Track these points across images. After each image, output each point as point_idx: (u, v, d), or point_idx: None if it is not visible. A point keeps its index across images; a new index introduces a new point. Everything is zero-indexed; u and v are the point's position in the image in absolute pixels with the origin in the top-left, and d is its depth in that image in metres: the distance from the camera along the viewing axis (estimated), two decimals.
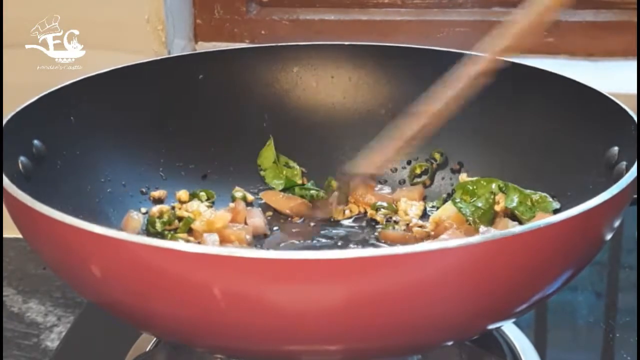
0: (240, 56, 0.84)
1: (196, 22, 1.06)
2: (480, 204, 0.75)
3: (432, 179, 0.82)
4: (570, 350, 0.77)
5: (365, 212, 0.80)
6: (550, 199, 0.72)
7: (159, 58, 0.82)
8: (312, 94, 0.84)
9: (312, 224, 0.78)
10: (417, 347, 0.58)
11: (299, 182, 0.82)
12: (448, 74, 0.68)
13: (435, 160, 0.82)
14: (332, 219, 0.79)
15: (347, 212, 0.80)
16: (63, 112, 0.72)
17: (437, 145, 0.81)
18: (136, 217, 0.75)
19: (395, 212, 0.79)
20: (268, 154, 0.83)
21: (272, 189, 0.82)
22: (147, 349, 0.70)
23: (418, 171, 0.82)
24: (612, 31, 1.04)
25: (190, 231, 0.75)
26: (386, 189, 0.82)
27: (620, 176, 0.56)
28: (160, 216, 0.75)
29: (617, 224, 0.57)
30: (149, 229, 0.75)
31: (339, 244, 0.76)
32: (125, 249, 0.48)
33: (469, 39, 1.03)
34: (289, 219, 0.79)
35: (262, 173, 0.83)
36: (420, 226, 0.77)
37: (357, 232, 0.78)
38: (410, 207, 0.79)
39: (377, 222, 0.78)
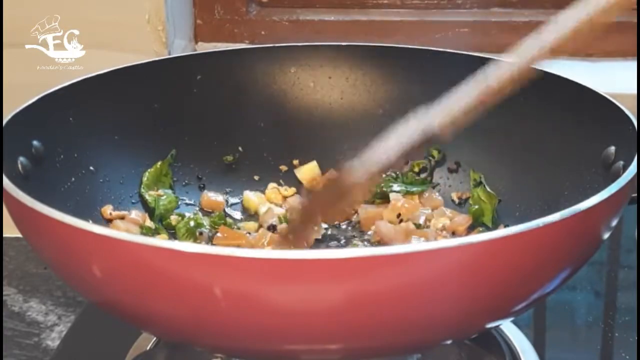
0: (238, 56, 0.84)
1: (196, 23, 1.06)
2: None
3: (431, 176, 0.82)
4: (569, 349, 0.77)
5: None
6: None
7: (159, 58, 0.82)
8: (309, 94, 0.84)
9: None
10: (416, 346, 0.58)
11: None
12: (473, 76, 0.59)
13: (433, 157, 0.82)
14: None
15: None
16: (62, 113, 0.72)
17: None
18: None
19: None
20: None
21: None
22: (148, 348, 0.70)
23: (417, 169, 0.82)
24: (611, 31, 1.04)
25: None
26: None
27: (616, 176, 0.56)
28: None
29: (615, 223, 0.57)
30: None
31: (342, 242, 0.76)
32: (125, 249, 0.48)
33: (468, 40, 1.04)
34: None
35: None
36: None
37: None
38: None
39: None
